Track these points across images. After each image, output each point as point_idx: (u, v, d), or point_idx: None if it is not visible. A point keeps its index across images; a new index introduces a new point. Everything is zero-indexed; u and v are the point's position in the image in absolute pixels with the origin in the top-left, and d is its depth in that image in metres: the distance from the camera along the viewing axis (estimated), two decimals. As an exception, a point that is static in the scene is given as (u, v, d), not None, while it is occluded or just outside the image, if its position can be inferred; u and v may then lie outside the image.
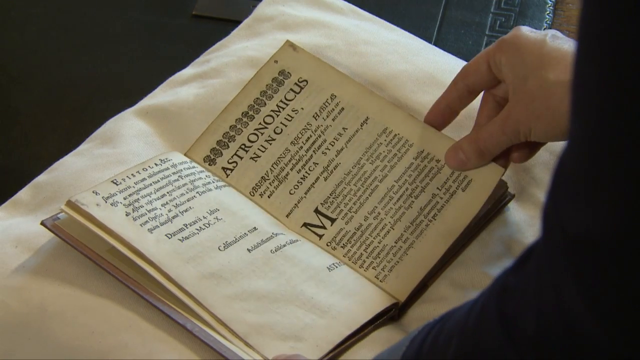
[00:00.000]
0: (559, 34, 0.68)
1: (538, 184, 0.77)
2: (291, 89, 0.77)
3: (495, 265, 0.73)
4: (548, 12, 1.00)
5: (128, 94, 0.86)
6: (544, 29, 0.99)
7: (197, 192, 0.73)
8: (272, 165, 0.75)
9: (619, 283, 0.42)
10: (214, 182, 0.75)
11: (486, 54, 0.70)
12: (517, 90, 0.67)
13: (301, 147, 0.76)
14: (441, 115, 0.74)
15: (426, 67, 0.83)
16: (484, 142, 0.70)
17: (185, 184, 0.73)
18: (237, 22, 0.90)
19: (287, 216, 0.73)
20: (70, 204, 0.69)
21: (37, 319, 0.68)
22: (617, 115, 0.40)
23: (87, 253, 0.68)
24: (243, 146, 0.76)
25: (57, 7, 1.00)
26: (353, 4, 0.91)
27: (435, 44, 0.95)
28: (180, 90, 0.83)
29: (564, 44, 0.67)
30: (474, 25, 0.99)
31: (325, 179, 0.74)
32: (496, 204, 0.74)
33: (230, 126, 0.77)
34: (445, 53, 0.86)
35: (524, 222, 0.76)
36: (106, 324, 0.67)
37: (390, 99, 0.80)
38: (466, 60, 0.86)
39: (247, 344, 0.64)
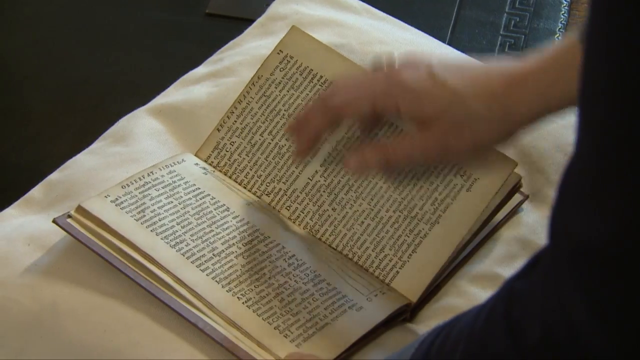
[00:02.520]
0: (433, 64, 0.66)
1: (552, 185, 0.77)
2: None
3: (510, 267, 0.73)
4: (563, 12, 1.00)
5: (141, 93, 0.86)
6: (558, 29, 0.99)
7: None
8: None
9: (623, 293, 0.42)
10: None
11: (370, 99, 0.66)
12: (439, 124, 0.64)
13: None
14: (311, 142, 0.69)
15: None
16: (396, 158, 0.66)
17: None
18: (250, 21, 0.90)
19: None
20: (80, 209, 0.69)
21: (49, 317, 0.68)
22: (625, 124, 0.40)
23: (99, 251, 0.68)
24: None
25: (70, 5, 1.01)
26: (367, 3, 0.91)
27: (450, 44, 0.95)
28: (193, 89, 0.83)
29: (447, 75, 0.65)
30: (489, 24, 0.99)
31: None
32: (507, 197, 0.73)
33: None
34: (460, 53, 0.86)
35: (538, 223, 0.75)
36: (118, 323, 0.67)
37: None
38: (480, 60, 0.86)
39: (259, 344, 0.64)
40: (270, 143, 0.76)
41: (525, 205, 0.76)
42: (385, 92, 0.65)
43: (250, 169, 0.75)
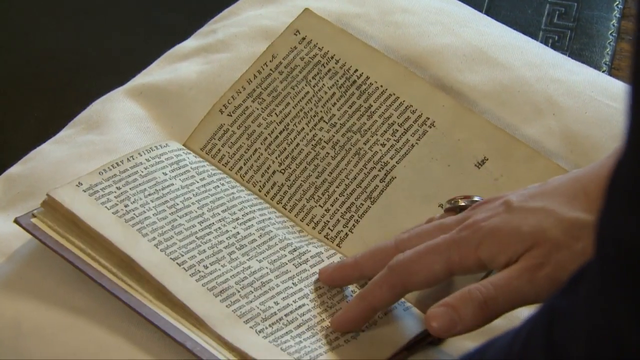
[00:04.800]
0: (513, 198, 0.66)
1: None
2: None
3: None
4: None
5: (118, 70, 0.87)
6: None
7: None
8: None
9: None
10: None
11: (445, 262, 0.64)
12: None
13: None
14: (367, 319, 0.68)
15: (475, 40, 0.83)
16: (494, 294, 0.63)
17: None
18: (249, -14, 0.91)
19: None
20: (49, 199, 0.70)
21: (10, 337, 0.68)
22: None
23: (70, 258, 0.69)
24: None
25: (34, -34, 1.01)
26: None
27: (487, 13, 0.95)
28: (180, 67, 0.84)
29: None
30: (534, -10, 0.99)
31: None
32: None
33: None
34: (499, 24, 0.86)
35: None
36: (91, 344, 0.68)
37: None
38: (523, 33, 0.87)
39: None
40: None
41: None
42: (460, 247, 0.64)
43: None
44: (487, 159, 0.75)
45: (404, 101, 0.77)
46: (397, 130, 0.77)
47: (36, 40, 0.95)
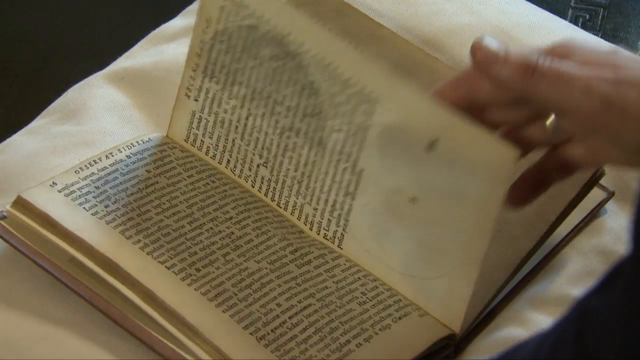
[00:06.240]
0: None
1: (645, 179, 0.78)
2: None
3: (587, 285, 0.73)
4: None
5: (98, 53, 0.87)
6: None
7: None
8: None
9: None
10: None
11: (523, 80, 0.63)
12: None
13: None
14: None
15: (497, 20, 0.83)
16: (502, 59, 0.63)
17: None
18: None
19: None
20: (20, 201, 0.70)
21: (-21, 350, 0.69)
22: None
23: (44, 263, 0.69)
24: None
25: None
26: None
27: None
28: (166, 49, 0.84)
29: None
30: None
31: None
32: (582, 193, 0.74)
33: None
34: (523, 1, 0.87)
35: (626, 229, 0.76)
36: (68, 357, 0.68)
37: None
38: (550, 11, 0.87)
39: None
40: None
41: (608, 206, 0.77)
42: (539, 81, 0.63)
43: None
44: (438, 140, 0.67)
45: (343, 71, 0.70)
46: (346, 111, 0.71)
47: (5, 19, 0.95)
